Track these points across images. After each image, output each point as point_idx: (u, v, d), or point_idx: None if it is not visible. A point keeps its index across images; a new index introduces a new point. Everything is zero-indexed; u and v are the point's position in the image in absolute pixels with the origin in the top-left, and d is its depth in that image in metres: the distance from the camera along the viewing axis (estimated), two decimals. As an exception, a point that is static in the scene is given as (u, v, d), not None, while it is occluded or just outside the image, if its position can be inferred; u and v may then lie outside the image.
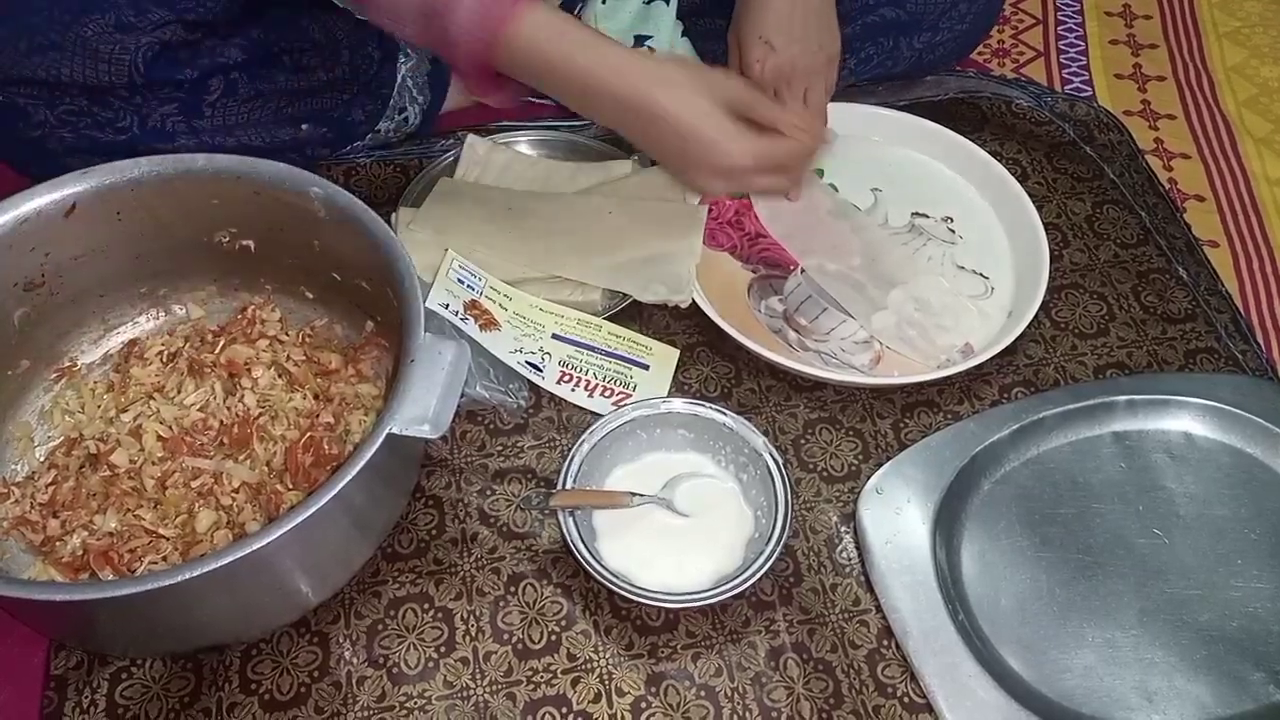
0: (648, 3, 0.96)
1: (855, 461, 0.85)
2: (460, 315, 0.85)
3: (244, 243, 0.83)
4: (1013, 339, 0.87)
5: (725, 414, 0.79)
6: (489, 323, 0.86)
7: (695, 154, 0.80)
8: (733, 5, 1.02)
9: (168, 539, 0.73)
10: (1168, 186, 1.06)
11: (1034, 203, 0.97)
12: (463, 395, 0.78)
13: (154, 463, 0.76)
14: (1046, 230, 0.94)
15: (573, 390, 0.86)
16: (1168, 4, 1.31)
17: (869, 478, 0.81)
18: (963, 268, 0.95)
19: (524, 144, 1.04)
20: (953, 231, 0.98)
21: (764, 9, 0.87)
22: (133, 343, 0.85)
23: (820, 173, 1.01)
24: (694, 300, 0.89)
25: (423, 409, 0.65)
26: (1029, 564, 0.77)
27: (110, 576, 0.71)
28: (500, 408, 0.86)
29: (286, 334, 0.84)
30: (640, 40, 0.95)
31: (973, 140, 1.02)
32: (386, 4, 0.76)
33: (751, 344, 0.86)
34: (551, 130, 1.05)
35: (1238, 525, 0.79)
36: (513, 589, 0.77)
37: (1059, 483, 0.81)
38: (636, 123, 0.79)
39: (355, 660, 0.74)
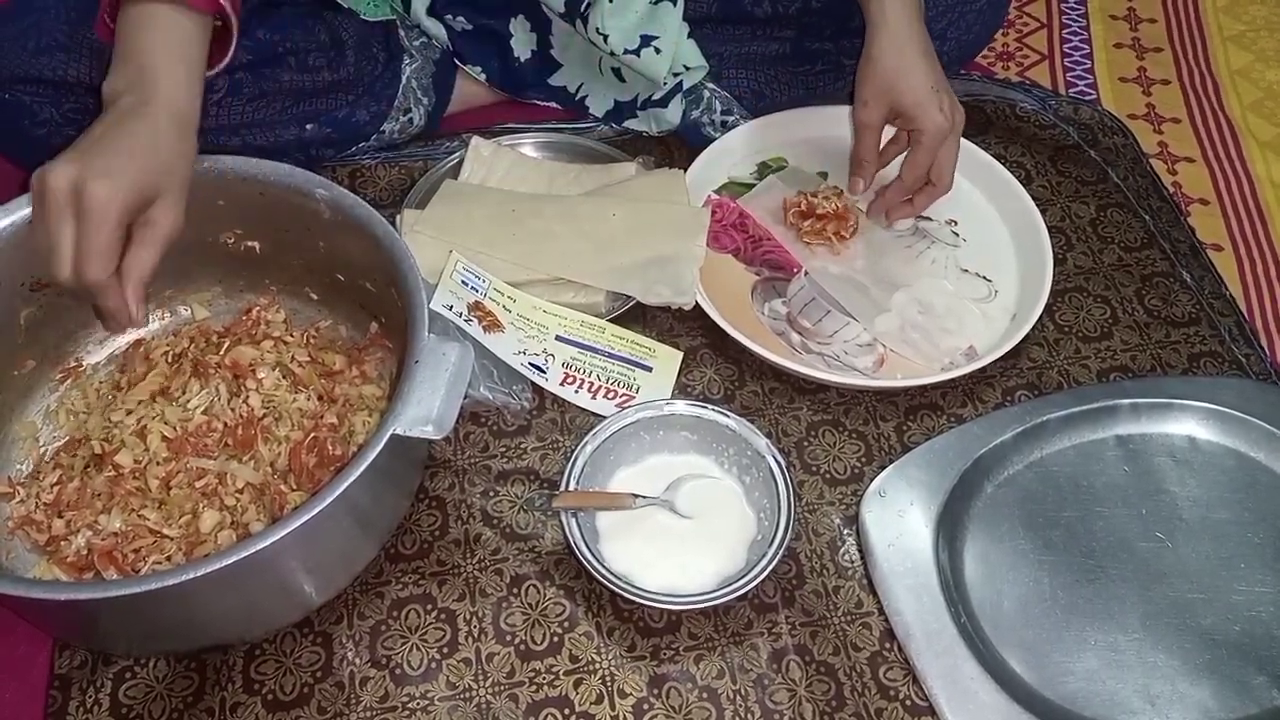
0: (655, 3, 0.96)
1: (858, 464, 0.85)
2: (464, 317, 0.85)
3: (249, 244, 0.83)
4: (1016, 342, 0.87)
5: (728, 416, 0.79)
6: (493, 324, 0.86)
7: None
8: (740, 11, 1.03)
9: (172, 539, 0.73)
10: (1172, 190, 1.06)
11: (1038, 206, 0.97)
12: (466, 397, 0.79)
13: (158, 463, 0.76)
14: (1050, 233, 0.95)
15: (576, 392, 0.86)
16: (1173, 8, 1.31)
17: (872, 480, 0.81)
18: (966, 270, 0.95)
19: (528, 146, 1.04)
20: (956, 234, 0.98)
21: (928, 60, 0.86)
22: (138, 343, 0.85)
23: (824, 175, 1.01)
24: (697, 302, 0.89)
25: (426, 410, 0.66)
26: (1031, 567, 0.77)
27: (114, 576, 0.71)
28: (504, 409, 0.86)
29: (291, 335, 0.85)
30: (647, 40, 0.95)
31: (977, 143, 1.02)
32: None
33: (755, 346, 0.86)
34: (556, 133, 1.05)
35: (1241, 529, 0.79)
36: (515, 590, 0.77)
37: (1062, 486, 0.81)
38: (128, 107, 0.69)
39: (358, 661, 0.74)
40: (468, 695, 0.73)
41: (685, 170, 0.97)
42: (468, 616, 0.76)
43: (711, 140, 1.01)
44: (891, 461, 0.82)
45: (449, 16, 1.01)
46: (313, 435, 0.77)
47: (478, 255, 0.90)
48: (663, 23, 0.97)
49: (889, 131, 0.92)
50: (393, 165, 1.04)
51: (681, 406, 0.80)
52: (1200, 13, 1.30)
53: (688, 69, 1.00)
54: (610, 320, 0.90)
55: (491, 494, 0.82)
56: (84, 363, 0.84)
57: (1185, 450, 0.83)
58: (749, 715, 0.72)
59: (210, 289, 0.87)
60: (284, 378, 0.81)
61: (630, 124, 1.05)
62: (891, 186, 0.92)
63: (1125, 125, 1.11)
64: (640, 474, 0.80)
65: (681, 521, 0.77)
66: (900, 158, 0.92)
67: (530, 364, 0.86)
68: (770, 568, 0.73)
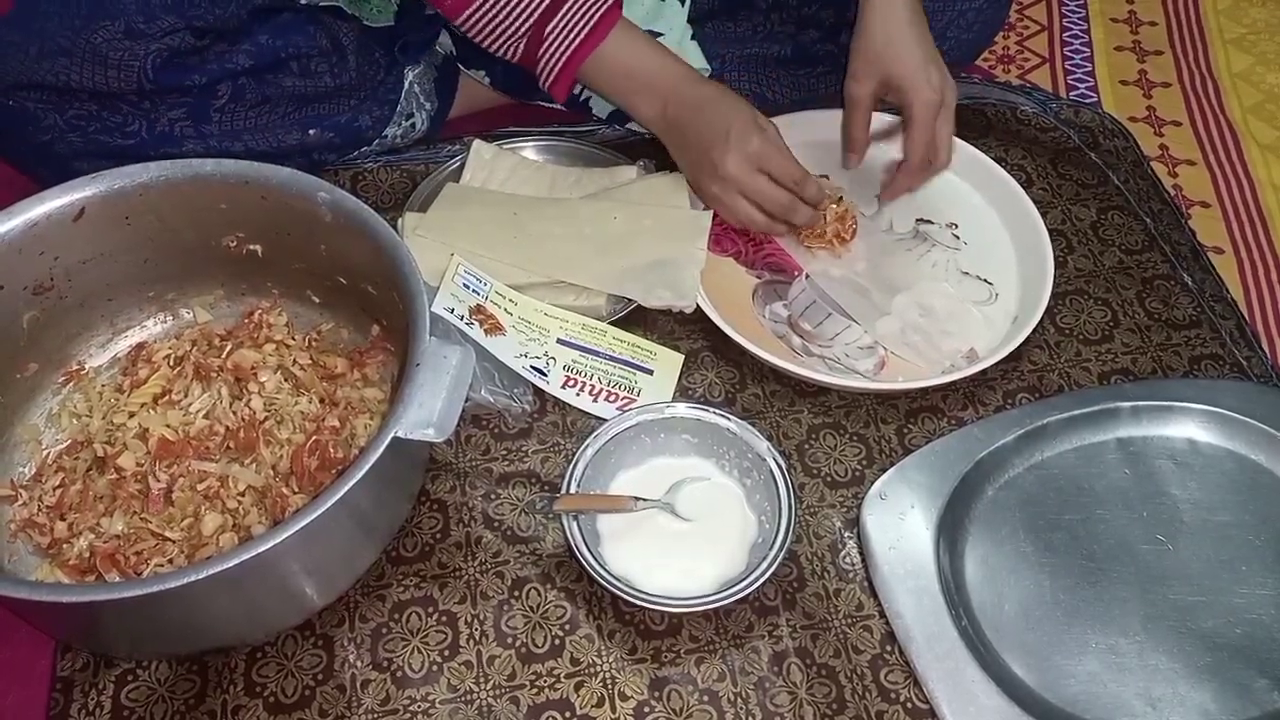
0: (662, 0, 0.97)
1: (859, 467, 0.85)
2: (465, 320, 0.85)
3: (251, 247, 0.83)
4: (1017, 345, 0.87)
5: (729, 419, 0.79)
6: (494, 327, 0.86)
7: (721, 132, 0.86)
8: (742, 11, 1.03)
9: (174, 542, 0.73)
10: (1173, 193, 1.06)
11: (1039, 209, 0.97)
12: (467, 399, 0.79)
13: (161, 467, 0.76)
14: (1051, 236, 0.95)
15: (577, 395, 0.87)
16: (1173, 10, 1.32)
17: (873, 483, 0.81)
18: (967, 273, 0.95)
19: (530, 149, 1.04)
20: (957, 237, 0.98)
21: (917, 33, 0.87)
22: (140, 346, 0.85)
23: (825, 178, 1.01)
24: (698, 305, 0.89)
25: (428, 413, 0.66)
26: (1033, 570, 0.77)
27: (117, 578, 0.71)
28: (505, 412, 0.86)
29: (293, 338, 0.85)
30: (651, 36, 0.95)
31: (978, 146, 1.02)
32: (489, 20, 0.85)
33: (756, 349, 0.87)
34: (557, 136, 1.06)
35: (1242, 531, 0.79)
36: (516, 593, 0.77)
37: (1063, 488, 0.81)
38: (684, 108, 0.87)
39: (359, 663, 0.74)
40: (469, 698, 0.73)
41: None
42: (469, 619, 0.76)
43: (713, 143, 1.01)
44: (892, 464, 0.82)
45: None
46: (314, 438, 0.77)
47: (479, 258, 0.90)
48: (668, 19, 0.98)
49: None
50: (394, 168, 1.04)
51: (682, 409, 0.80)
52: (1201, 16, 1.31)
53: (690, 70, 1.00)
54: (611, 323, 0.90)
55: (493, 497, 0.82)
56: (86, 366, 0.84)
57: (1186, 453, 0.83)
58: (750, 718, 0.72)
59: (212, 292, 0.87)
60: (286, 381, 0.81)
61: (633, 125, 1.05)
62: (901, 168, 0.93)
63: (1126, 128, 1.11)
64: (641, 477, 0.80)
65: (682, 524, 0.77)
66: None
67: (531, 367, 0.86)
68: (771, 570, 0.73)
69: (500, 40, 0.86)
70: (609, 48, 0.86)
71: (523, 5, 0.84)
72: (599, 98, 1.02)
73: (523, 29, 0.85)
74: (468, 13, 0.85)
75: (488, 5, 0.84)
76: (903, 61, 0.86)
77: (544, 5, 0.84)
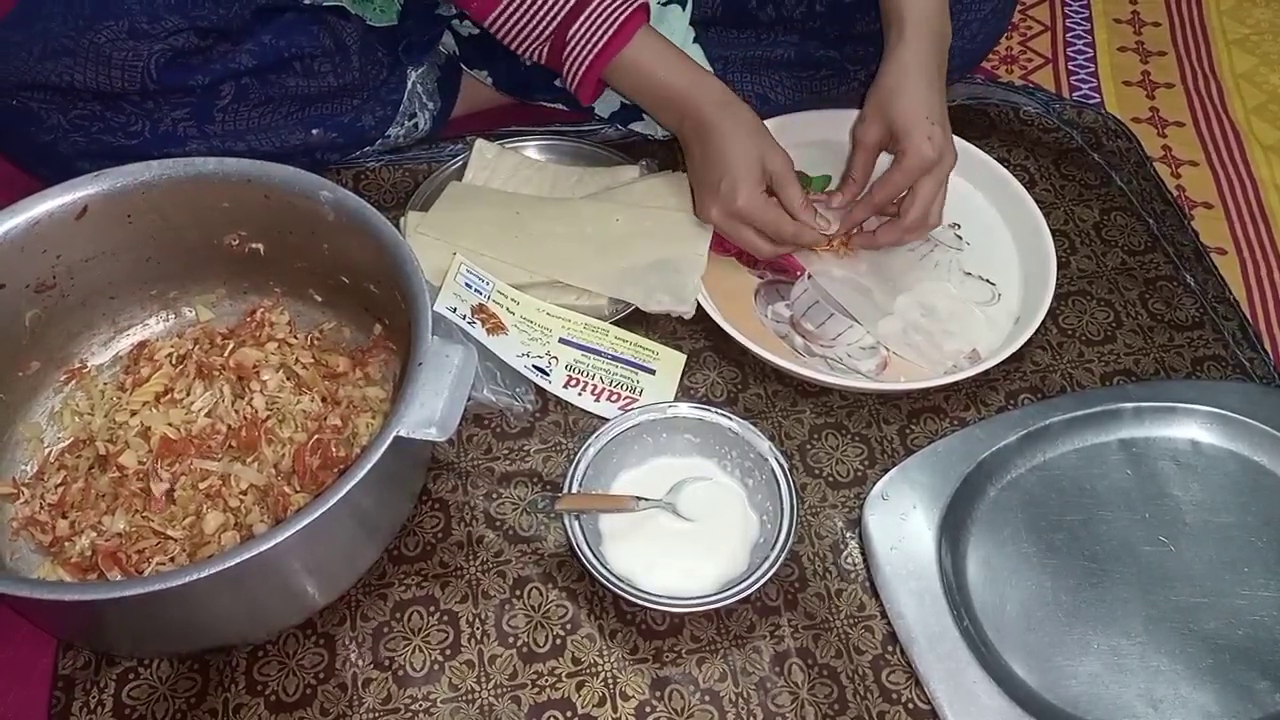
0: (664, 4, 0.96)
1: (861, 467, 0.85)
2: (468, 319, 0.85)
3: (253, 246, 0.83)
4: (1020, 345, 0.87)
5: (731, 419, 0.79)
6: (496, 326, 0.86)
7: (715, 178, 0.87)
8: (744, 15, 1.03)
9: (175, 540, 0.73)
10: (1176, 194, 1.06)
11: (1041, 209, 0.97)
12: (470, 399, 0.79)
13: (163, 465, 0.76)
14: (1054, 237, 0.95)
15: (579, 394, 0.87)
16: (1177, 11, 1.31)
17: (875, 483, 0.81)
18: (970, 274, 0.95)
19: (532, 149, 1.04)
20: (960, 238, 0.98)
21: (930, 90, 0.87)
22: (142, 345, 0.85)
23: (828, 179, 1.01)
24: (700, 305, 0.89)
25: (430, 412, 0.66)
26: (1035, 570, 0.77)
27: (118, 577, 0.72)
28: (507, 411, 0.86)
29: (295, 337, 0.85)
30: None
31: (980, 147, 1.02)
32: (515, 23, 0.86)
33: (758, 349, 0.87)
34: (559, 136, 1.06)
35: (1244, 533, 0.79)
36: (518, 592, 0.77)
37: (1065, 489, 0.81)
38: (695, 132, 0.88)
39: (361, 662, 0.74)
40: (470, 697, 0.73)
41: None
42: (470, 618, 0.76)
43: (715, 144, 1.01)
44: (894, 464, 0.82)
45: (455, 22, 1.01)
46: (316, 437, 0.77)
47: (481, 257, 0.90)
48: (670, 24, 0.98)
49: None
50: (397, 168, 1.04)
51: (684, 409, 0.80)
52: (1204, 16, 1.30)
53: (693, 72, 1.00)
54: (613, 323, 0.90)
55: (494, 496, 0.82)
56: (88, 364, 0.84)
57: (1189, 454, 0.83)
58: (751, 718, 0.72)
59: (214, 291, 0.87)
60: (288, 379, 0.81)
61: (636, 126, 1.05)
62: (861, 201, 0.92)
63: (1129, 129, 1.11)
64: (643, 476, 0.80)
65: (684, 524, 0.77)
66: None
67: (533, 366, 0.86)
68: (773, 570, 0.73)
69: (526, 43, 0.87)
70: (631, 53, 0.86)
71: (546, 8, 0.84)
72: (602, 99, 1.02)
73: (546, 32, 0.85)
74: (494, 14, 0.86)
75: (513, 8, 0.85)
76: (908, 114, 0.86)
77: (567, 9, 0.84)
